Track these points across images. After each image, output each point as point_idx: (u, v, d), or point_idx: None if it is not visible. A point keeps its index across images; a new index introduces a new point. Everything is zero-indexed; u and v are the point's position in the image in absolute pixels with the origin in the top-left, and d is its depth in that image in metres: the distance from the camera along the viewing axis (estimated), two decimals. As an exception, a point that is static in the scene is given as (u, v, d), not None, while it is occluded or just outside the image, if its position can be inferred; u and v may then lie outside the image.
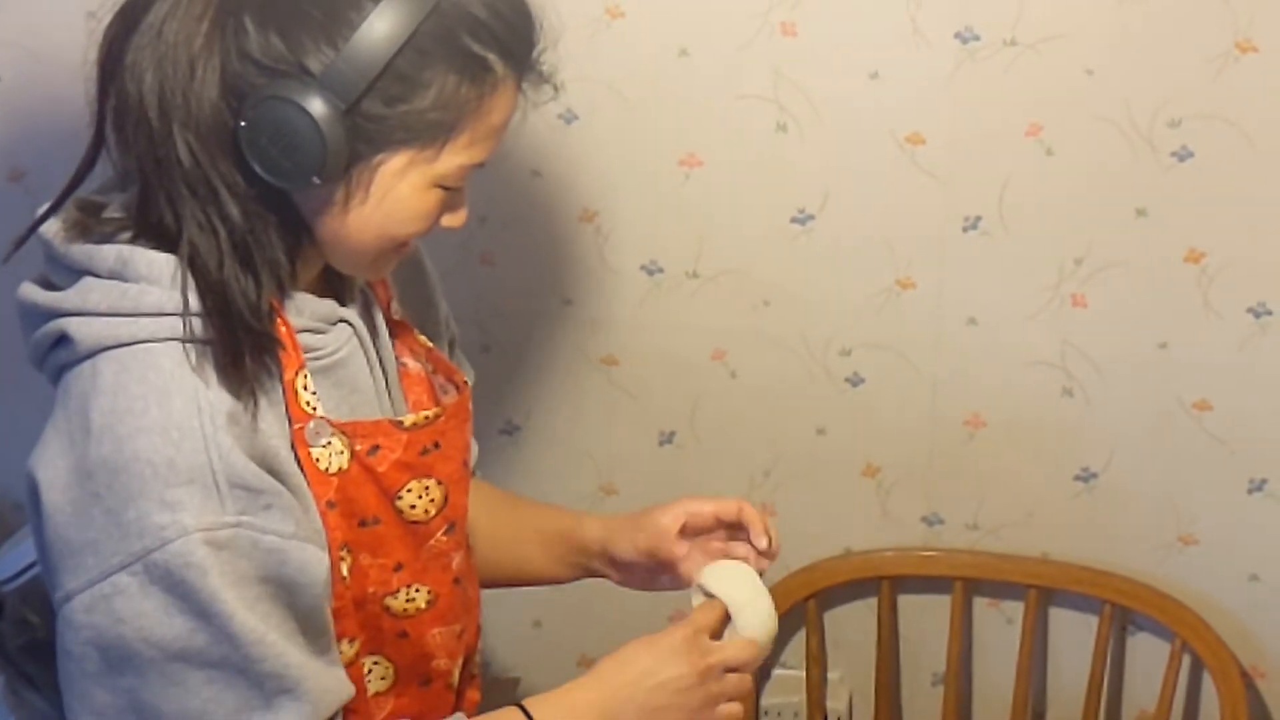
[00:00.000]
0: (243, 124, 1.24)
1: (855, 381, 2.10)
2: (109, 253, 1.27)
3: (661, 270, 2.08)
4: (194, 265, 1.26)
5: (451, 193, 1.33)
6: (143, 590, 1.20)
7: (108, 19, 1.27)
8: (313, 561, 1.28)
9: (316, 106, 1.22)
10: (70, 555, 1.23)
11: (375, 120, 1.25)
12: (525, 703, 1.40)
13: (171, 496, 1.20)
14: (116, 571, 1.20)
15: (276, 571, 1.24)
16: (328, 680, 1.29)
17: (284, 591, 1.25)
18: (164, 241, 1.27)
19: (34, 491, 1.28)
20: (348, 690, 1.32)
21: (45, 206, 1.33)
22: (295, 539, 1.26)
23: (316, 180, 1.25)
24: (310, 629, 1.29)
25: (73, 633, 1.23)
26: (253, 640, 1.21)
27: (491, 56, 1.27)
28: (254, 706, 1.23)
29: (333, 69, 1.22)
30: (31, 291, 1.32)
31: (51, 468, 1.27)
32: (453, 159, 1.29)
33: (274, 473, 1.27)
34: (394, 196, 1.29)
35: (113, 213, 1.31)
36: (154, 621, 1.20)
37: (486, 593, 1.62)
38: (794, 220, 2.02)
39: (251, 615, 1.21)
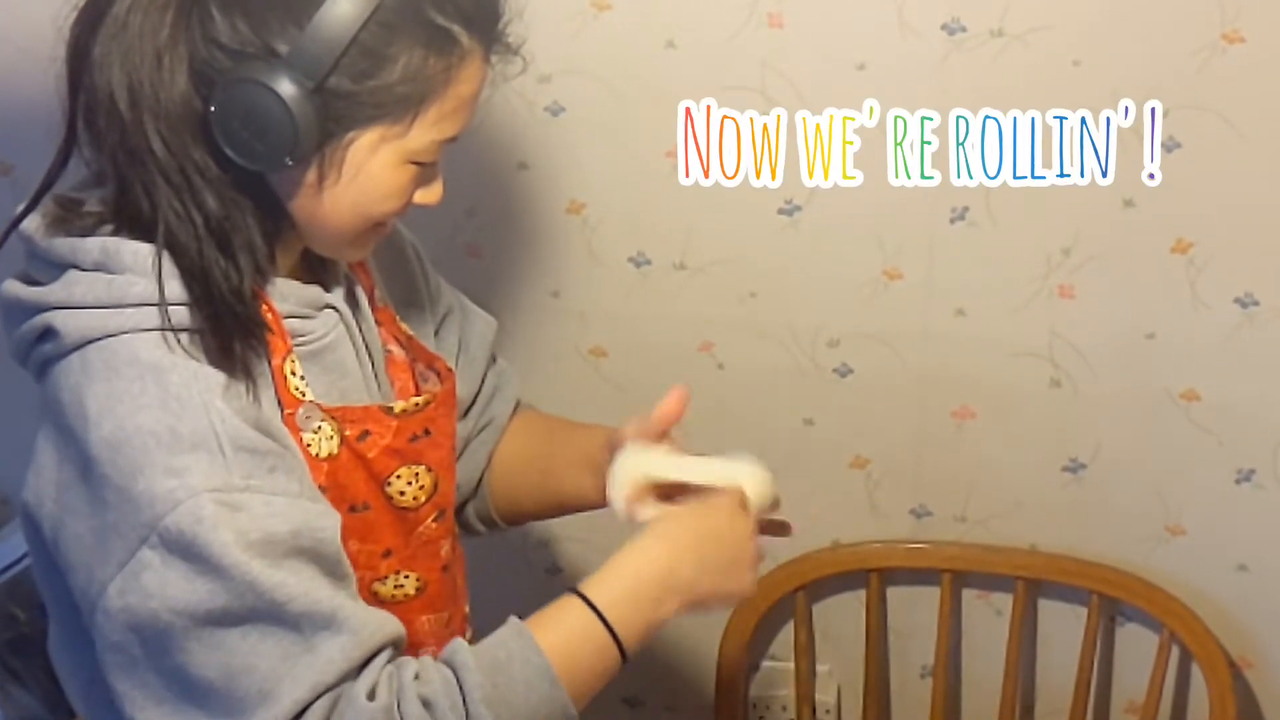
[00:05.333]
0: (213, 109, 1.24)
1: (843, 373, 2.10)
2: (92, 245, 1.28)
3: (649, 262, 2.08)
4: (174, 253, 1.27)
5: (425, 168, 1.34)
6: (165, 562, 1.20)
7: (73, 15, 1.28)
8: (325, 515, 1.28)
9: (285, 87, 1.23)
10: (98, 545, 1.23)
11: (344, 97, 1.25)
12: (582, 587, 1.36)
13: (177, 463, 1.21)
14: (139, 547, 1.20)
15: (291, 529, 1.23)
16: (365, 613, 1.27)
17: (302, 547, 1.24)
18: (144, 232, 1.28)
19: (40, 507, 1.29)
20: (392, 625, 1.29)
21: (23, 204, 1.33)
22: (303, 498, 1.27)
23: (289, 161, 1.25)
24: (335, 577, 1.27)
25: (111, 622, 1.22)
26: (275, 584, 1.20)
27: (456, 28, 1.28)
28: (295, 652, 1.22)
29: (299, 48, 1.23)
30: (14, 288, 1.32)
31: (56, 470, 1.28)
32: (424, 134, 1.30)
33: (274, 440, 1.28)
34: (367, 174, 1.30)
35: (92, 207, 1.32)
36: (179, 590, 1.19)
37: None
38: (781, 211, 2.02)
39: (270, 566, 1.21)
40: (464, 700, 1.25)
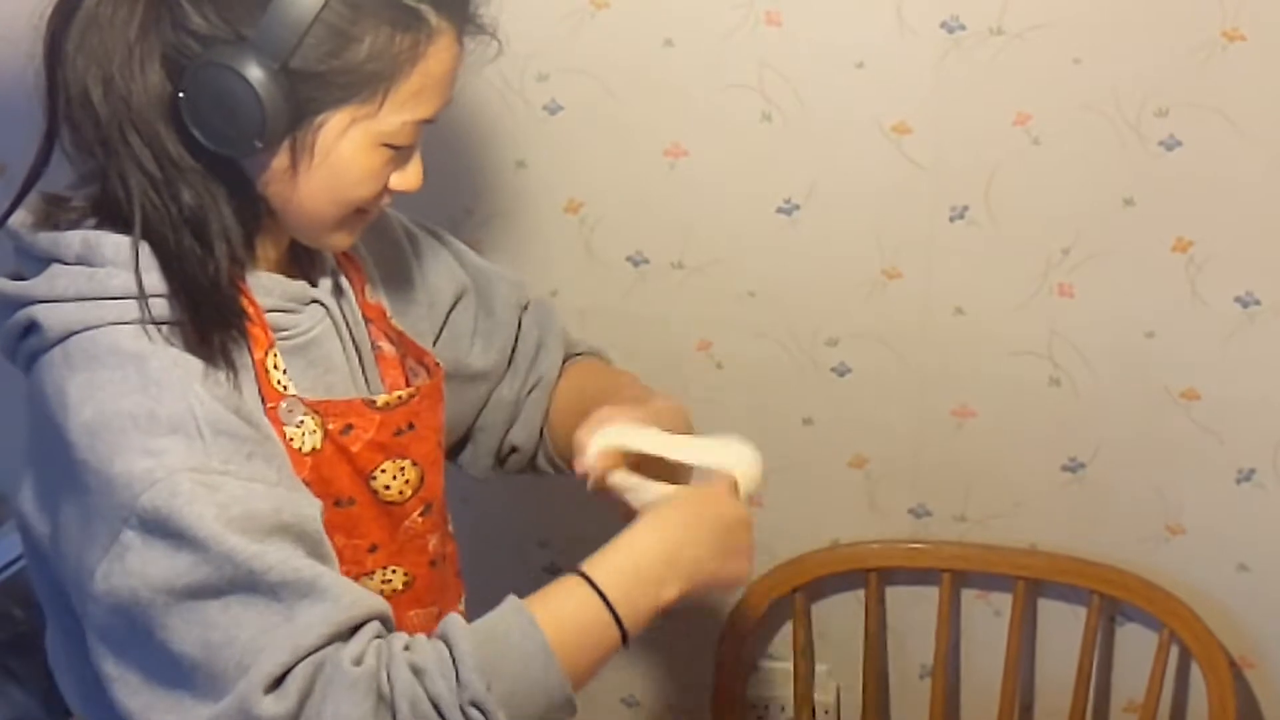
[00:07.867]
0: (181, 95, 1.25)
1: (842, 372, 2.09)
2: (74, 239, 1.29)
3: (647, 261, 2.07)
4: (152, 244, 1.28)
5: (399, 151, 1.34)
6: (146, 542, 1.20)
7: (47, 13, 1.30)
8: (304, 502, 1.28)
9: (251, 69, 1.24)
10: (84, 533, 1.23)
11: (311, 78, 1.26)
12: (584, 567, 1.35)
13: (155, 445, 1.21)
14: (121, 529, 1.20)
15: (270, 512, 1.23)
16: (347, 583, 1.26)
17: (286, 523, 1.24)
18: (125, 225, 1.29)
19: (31, 503, 1.30)
20: (377, 600, 1.28)
21: (8, 203, 1.34)
22: (280, 487, 1.27)
23: (259, 144, 1.26)
24: (317, 558, 1.27)
25: (98, 607, 1.23)
26: (253, 554, 1.20)
27: (424, 7, 1.29)
28: (276, 622, 1.21)
29: (264, 30, 1.24)
30: (0, 283, 1.32)
31: (44, 463, 1.28)
32: (395, 114, 1.30)
33: (255, 428, 1.28)
34: (338, 156, 1.30)
35: (77, 202, 1.33)
36: (159, 568, 1.19)
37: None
38: (780, 210, 2.01)
39: (251, 540, 1.20)
40: (455, 668, 1.24)
